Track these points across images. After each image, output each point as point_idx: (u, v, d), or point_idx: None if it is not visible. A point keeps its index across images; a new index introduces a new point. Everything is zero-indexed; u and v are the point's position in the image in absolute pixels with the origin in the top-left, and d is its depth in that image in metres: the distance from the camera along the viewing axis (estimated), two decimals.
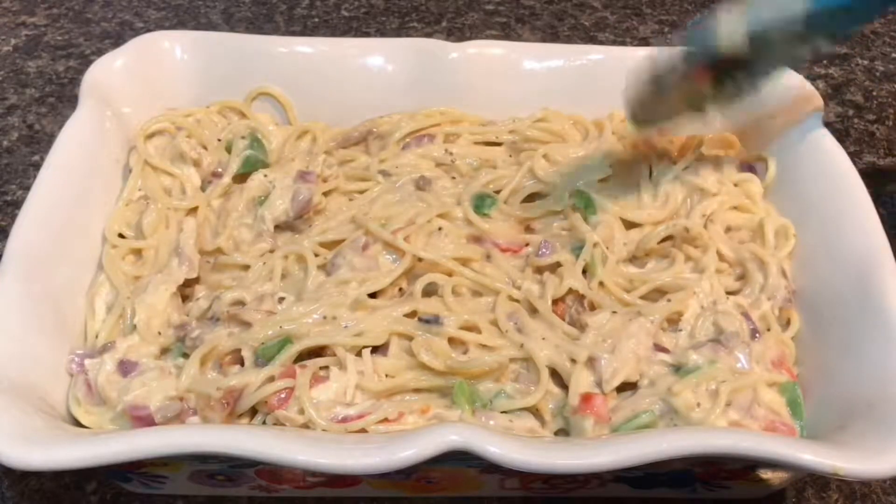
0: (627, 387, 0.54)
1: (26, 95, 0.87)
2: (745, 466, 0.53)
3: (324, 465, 0.44)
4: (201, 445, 0.44)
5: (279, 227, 0.63)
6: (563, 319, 0.57)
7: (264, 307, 0.56)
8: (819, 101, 0.65)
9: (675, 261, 0.60)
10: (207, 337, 0.55)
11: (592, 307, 0.58)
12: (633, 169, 0.65)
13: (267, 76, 0.70)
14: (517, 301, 0.58)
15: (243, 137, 0.67)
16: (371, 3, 1.00)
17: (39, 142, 0.82)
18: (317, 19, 0.98)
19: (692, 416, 0.51)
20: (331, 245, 0.61)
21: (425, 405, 0.53)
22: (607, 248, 0.60)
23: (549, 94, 0.70)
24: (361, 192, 0.66)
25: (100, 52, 0.83)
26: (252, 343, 0.54)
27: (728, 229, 0.63)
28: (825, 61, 0.94)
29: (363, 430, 0.52)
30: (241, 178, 0.66)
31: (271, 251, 0.61)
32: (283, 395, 0.52)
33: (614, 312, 0.57)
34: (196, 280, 0.60)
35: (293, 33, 0.94)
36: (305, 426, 0.51)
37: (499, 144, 0.69)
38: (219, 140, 0.67)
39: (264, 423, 0.53)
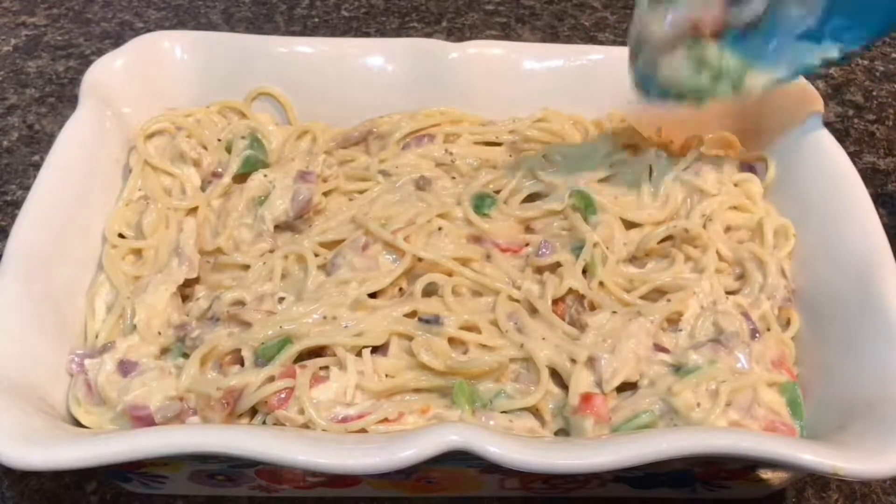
0: (627, 387, 0.54)
1: (26, 95, 0.87)
2: (745, 466, 0.53)
3: (324, 465, 0.44)
4: (201, 445, 0.44)
5: (279, 227, 0.63)
6: (563, 319, 0.57)
7: (264, 307, 0.56)
8: (819, 102, 0.65)
9: (675, 261, 0.60)
10: (207, 337, 0.55)
11: (592, 307, 0.58)
12: (633, 169, 0.65)
13: (267, 76, 0.70)
14: (517, 301, 0.58)
15: (243, 137, 0.67)
16: (371, 3, 1.00)
17: (39, 142, 0.82)
18: (317, 19, 0.98)
19: (692, 416, 0.51)
20: (331, 245, 0.61)
21: (425, 405, 0.53)
22: (607, 248, 0.60)
23: (549, 94, 0.70)
24: (361, 192, 0.66)
25: (100, 52, 0.83)
26: (252, 343, 0.54)
27: (728, 229, 0.63)
28: None
29: (363, 430, 0.52)
30: (241, 178, 0.66)
31: (271, 251, 0.61)
32: (283, 395, 0.52)
33: (614, 312, 0.57)
34: (196, 280, 0.60)
35: (293, 33, 0.94)
36: (305, 426, 0.51)
37: (499, 144, 0.69)
38: (219, 140, 0.67)
39: (264, 423, 0.53)
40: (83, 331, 0.57)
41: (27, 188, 0.57)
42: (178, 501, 0.58)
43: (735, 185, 0.65)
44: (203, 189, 0.65)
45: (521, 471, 0.44)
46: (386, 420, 0.52)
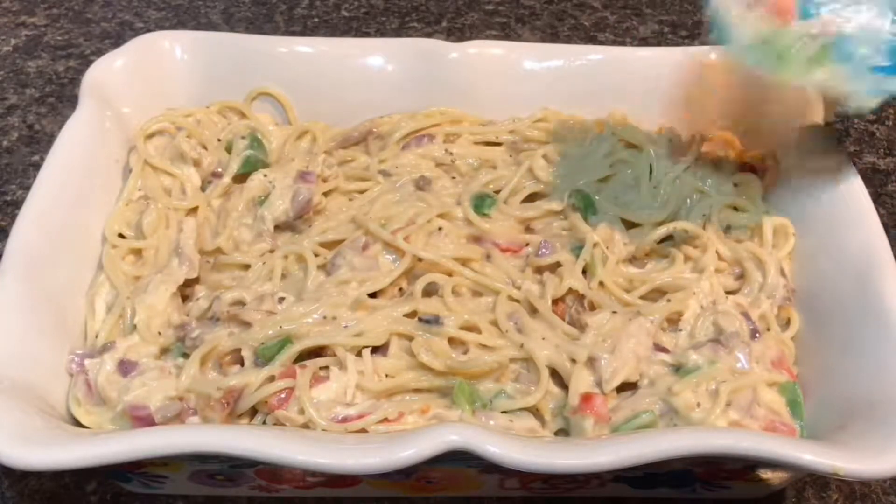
0: (627, 387, 0.54)
1: (26, 95, 0.87)
2: (745, 466, 0.53)
3: (324, 465, 0.44)
4: (201, 445, 0.44)
5: (279, 227, 0.63)
6: (563, 319, 0.57)
7: (264, 307, 0.56)
8: (819, 101, 0.65)
9: (675, 261, 0.60)
10: (207, 337, 0.55)
11: (592, 307, 0.58)
12: (633, 169, 0.65)
13: (267, 76, 0.70)
14: (517, 301, 0.58)
15: (243, 137, 0.67)
16: (371, 3, 1.00)
17: (39, 142, 0.82)
18: (317, 19, 0.98)
19: (692, 416, 0.51)
20: (331, 245, 0.61)
21: (425, 405, 0.53)
22: (607, 248, 0.60)
23: (549, 94, 0.70)
24: (361, 192, 0.66)
25: (100, 52, 0.83)
26: (252, 343, 0.54)
27: (728, 229, 0.63)
28: None
29: (363, 430, 0.52)
30: (241, 178, 0.66)
31: (271, 251, 0.61)
32: (283, 395, 0.52)
33: (614, 312, 0.57)
34: (196, 280, 0.60)
35: (293, 33, 0.94)
36: (305, 426, 0.51)
37: (499, 144, 0.69)
38: (219, 140, 0.67)
39: (264, 423, 0.53)
40: (83, 331, 0.57)
41: (27, 188, 0.57)
42: (178, 501, 0.58)
43: (735, 185, 0.65)
44: (203, 189, 0.65)
45: (521, 471, 0.44)
46: (386, 420, 0.52)
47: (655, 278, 0.59)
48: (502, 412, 0.53)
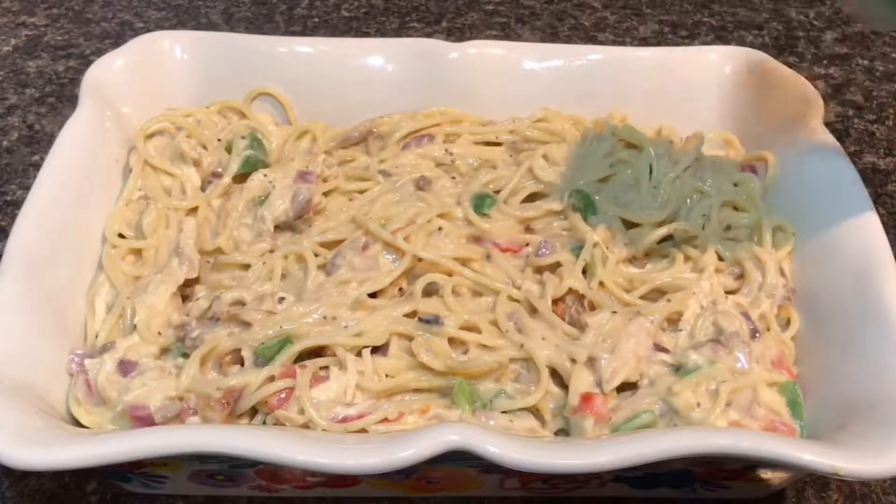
0: (627, 387, 0.54)
1: (26, 95, 0.87)
2: (745, 466, 0.53)
3: (324, 465, 0.44)
4: (201, 445, 0.44)
5: (279, 227, 0.63)
6: (563, 319, 0.57)
7: (264, 307, 0.56)
8: (819, 102, 0.65)
9: (675, 261, 0.60)
10: (207, 337, 0.55)
11: (592, 307, 0.58)
12: (633, 169, 0.65)
13: (267, 76, 0.70)
14: (517, 301, 0.58)
15: (243, 137, 0.67)
16: (371, 3, 1.00)
17: (39, 142, 0.82)
18: (317, 19, 0.98)
19: (692, 416, 0.51)
20: (331, 245, 0.61)
21: (425, 405, 0.53)
22: (607, 248, 0.60)
23: (549, 94, 0.70)
24: (361, 192, 0.66)
25: (100, 52, 0.83)
26: (252, 343, 0.54)
27: (727, 228, 0.63)
28: (825, 61, 0.94)
29: (363, 430, 0.52)
30: (241, 178, 0.66)
31: (271, 251, 0.61)
32: (283, 395, 0.52)
33: (614, 312, 0.57)
34: (196, 280, 0.60)
35: (293, 33, 0.94)
36: (305, 426, 0.51)
37: (499, 144, 0.69)
38: (219, 140, 0.67)
39: (264, 423, 0.53)
40: (83, 331, 0.57)
41: (27, 188, 0.57)
42: (178, 501, 0.58)
43: (735, 184, 0.65)
44: (203, 189, 0.65)
45: (521, 471, 0.44)
46: (386, 420, 0.52)
47: (655, 278, 0.59)
48: (502, 412, 0.53)
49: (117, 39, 0.91)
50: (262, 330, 0.54)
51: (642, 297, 0.58)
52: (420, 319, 0.56)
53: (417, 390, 0.54)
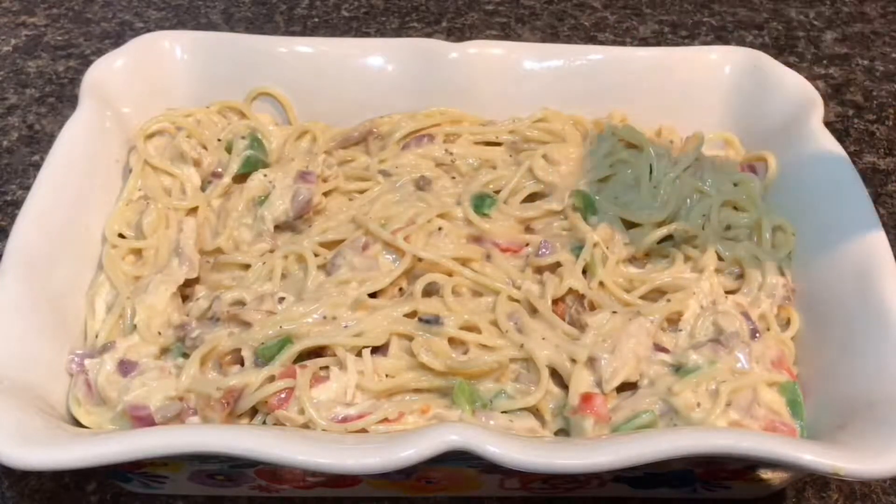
0: (627, 387, 0.54)
1: (26, 95, 0.87)
2: (745, 466, 0.53)
3: (324, 465, 0.44)
4: (201, 445, 0.44)
5: (279, 227, 0.63)
6: (563, 319, 0.57)
7: (264, 307, 0.56)
8: (819, 102, 0.65)
9: (675, 261, 0.60)
10: (207, 337, 0.55)
11: (592, 307, 0.58)
12: (633, 169, 0.65)
13: (267, 76, 0.70)
14: (517, 301, 0.58)
15: (243, 137, 0.67)
16: (371, 3, 1.00)
17: (39, 142, 0.82)
18: (317, 19, 0.98)
19: (692, 416, 0.51)
20: (331, 245, 0.61)
21: (425, 405, 0.53)
22: (607, 248, 0.60)
23: (549, 94, 0.70)
24: (361, 192, 0.66)
25: (100, 52, 0.83)
26: (252, 343, 0.54)
27: (727, 228, 0.63)
28: (825, 61, 0.94)
29: (363, 430, 0.52)
30: (241, 178, 0.66)
31: (271, 251, 0.61)
32: (283, 395, 0.52)
33: (614, 312, 0.57)
34: (196, 280, 0.60)
35: (293, 33, 0.94)
36: (305, 426, 0.51)
37: (499, 144, 0.69)
38: (219, 140, 0.67)
39: (264, 423, 0.53)
40: (83, 331, 0.57)
41: (27, 188, 0.57)
42: (178, 501, 0.58)
43: (735, 184, 0.65)
44: (203, 189, 0.65)
45: (521, 471, 0.44)
46: (386, 420, 0.52)
47: (655, 278, 0.59)
48: (502, 412, 0.53)
49: (117, 39, 0.91)
50: (262, 330, 0.54)
51: (642, 297, 0.58)
52: (420, 319, 0.56)
53: (417, 390, 0.54)
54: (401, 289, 0.59)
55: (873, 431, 0.47)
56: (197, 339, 0.55)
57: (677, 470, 0.53)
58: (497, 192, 0.64)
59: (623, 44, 0.94)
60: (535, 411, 0.54)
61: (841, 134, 0.84)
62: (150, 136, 0.66)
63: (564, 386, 0.54)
